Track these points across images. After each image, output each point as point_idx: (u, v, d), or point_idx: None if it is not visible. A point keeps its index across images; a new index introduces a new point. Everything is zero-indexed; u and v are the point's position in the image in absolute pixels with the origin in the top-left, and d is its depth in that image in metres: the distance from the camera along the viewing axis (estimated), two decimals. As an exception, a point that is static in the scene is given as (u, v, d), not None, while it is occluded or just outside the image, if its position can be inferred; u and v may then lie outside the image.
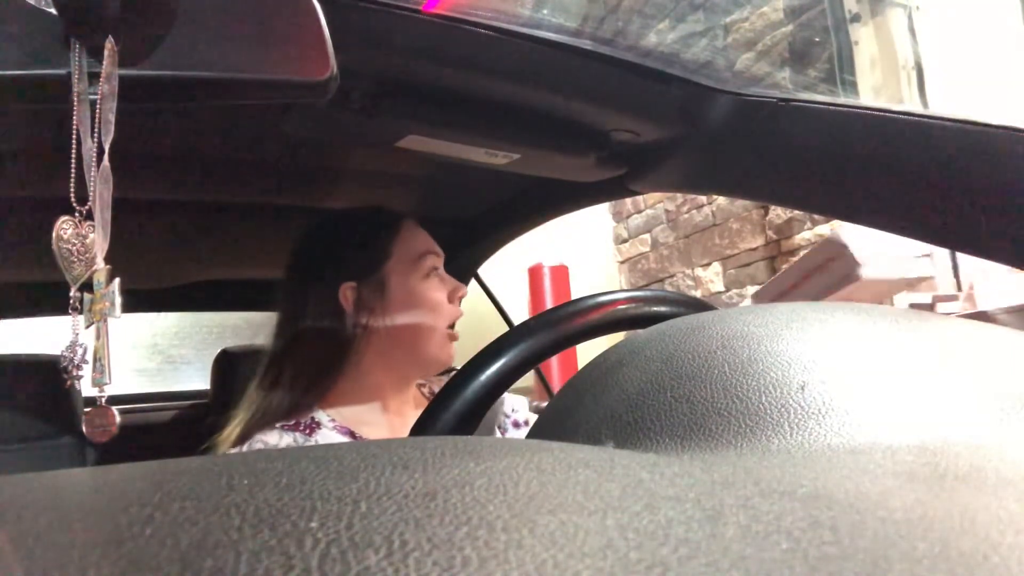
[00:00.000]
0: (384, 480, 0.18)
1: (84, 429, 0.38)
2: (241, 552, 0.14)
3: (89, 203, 0.36)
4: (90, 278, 0.37)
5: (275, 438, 0.84)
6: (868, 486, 0.19)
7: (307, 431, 0.86)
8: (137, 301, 1.48)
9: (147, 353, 2.81)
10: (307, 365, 0.90)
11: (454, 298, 0.94)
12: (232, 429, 0.88)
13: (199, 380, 2.10)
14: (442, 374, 1.09)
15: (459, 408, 0.49)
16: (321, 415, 0.88)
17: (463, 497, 0.17)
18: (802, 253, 2.76)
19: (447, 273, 0.97)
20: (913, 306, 2.42)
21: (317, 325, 0.91)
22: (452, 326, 0.94)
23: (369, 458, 0.20)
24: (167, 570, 0.13)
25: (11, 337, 1.62)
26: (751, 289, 3.05)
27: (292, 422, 0.86)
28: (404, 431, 0.92)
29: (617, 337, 0.51)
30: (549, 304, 3.53)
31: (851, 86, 2.38)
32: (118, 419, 0.37)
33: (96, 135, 0.36)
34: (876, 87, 2.37)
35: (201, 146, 0.87)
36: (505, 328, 1.02)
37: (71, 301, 0.37)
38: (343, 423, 0.88)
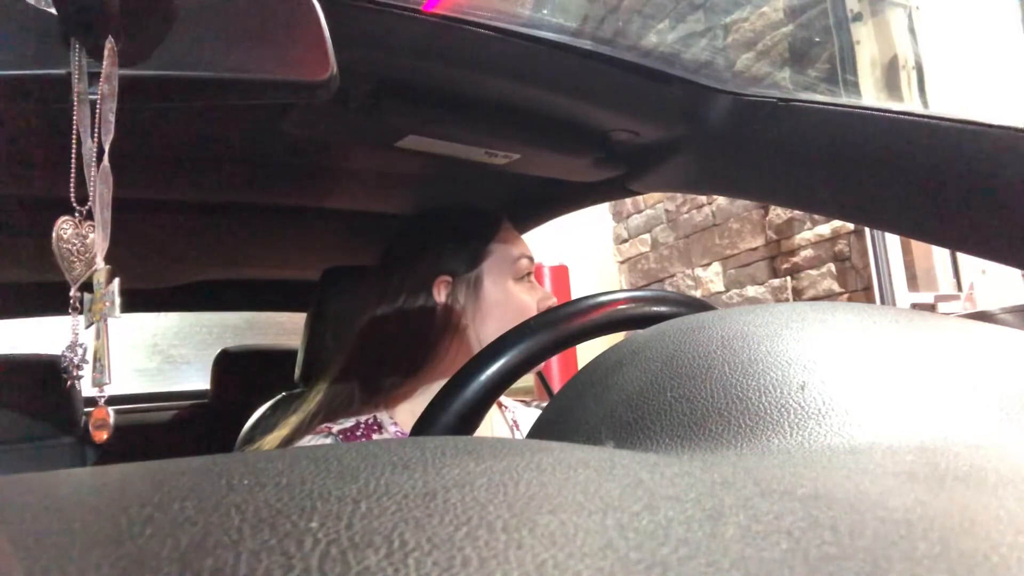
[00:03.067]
0: (384, 480, 0.18)
1: (90, 428, 0.38)
2: (241, 552, 0.14)
3: (89, 203, 0.36)
4: (90, 278, 0.37)
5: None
6: (868, 486, 0.19)
7: (364, 436, 0.85)
8: (137, 301, 1.48)
9: (147, 353, 2.81)
10: (386, 356, 0.89)
11: (542, 307, 0.93)
12: (284, 427, 0.88)
13: (199, 380, 2.10)
14: (520, 399, 1.08)
15: (459, 408, 0.49)
16: (384, 417, 0.88)
17: (463, 497, 0.17)
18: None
19: None
20: (914, 306, 2.42)
21: (405, 315, 0.91)
22: None
23: (369, 458, 0.20)
24: (167, 570, 0.13)
25: (11, 337, 1.63)
26: (751, 289, 3.05)
27: (351, 424, 0.85)
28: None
29: (617, 337, 0.51)
30: (549, 304, 3.52)
31: (853, 86, 2.38)
32: (112, 420, 0.37)
33: (96, 135, 0.36)
34: (877, 87, 2.37)
35: (201, 146, 0.87)
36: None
37: (71, 301, 0.37)
38: (405, 428, 0.87)
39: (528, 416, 1.01)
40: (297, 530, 0.15)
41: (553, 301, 0.95)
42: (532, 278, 0.97)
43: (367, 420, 0.86)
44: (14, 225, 0.98)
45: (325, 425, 0.85)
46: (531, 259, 0.96)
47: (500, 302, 0.92)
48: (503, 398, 1.01)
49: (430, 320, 0.90)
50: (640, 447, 0.28)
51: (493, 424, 0.96)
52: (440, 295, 0.91)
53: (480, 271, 0.93)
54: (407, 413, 0.89)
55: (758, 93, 0.73)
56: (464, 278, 0.92)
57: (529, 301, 0.93)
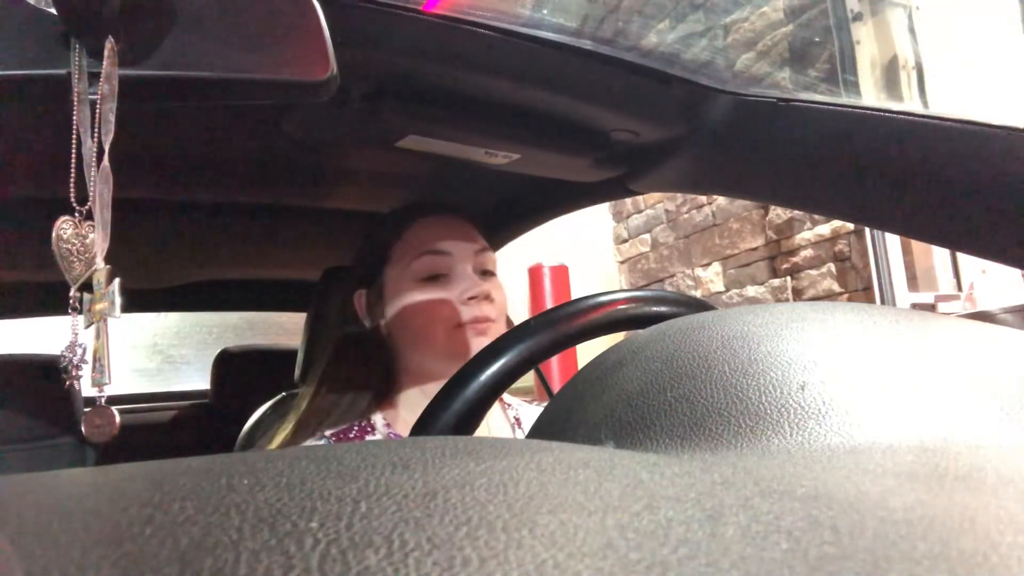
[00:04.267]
0: (384, 480, 0.18)
1: (84, 429, 0.38)
2: (241, 552, 0.14)
3: (89, 203, 0.36)
4: (90, 278, 0.37)
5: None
6: (868, 486, 0.19)
7: (357, 438, 0.84)
8: (137, 301, 1.48)
9: (147, 353, 2.81)
10: (354, 367, 0.90)
11: (463, 299, 0.85)
12: (279, 433, 0.88)
13: (199, 380, 2.10)
14: (522, 399, 1.07)
15: (459, 408, 0.49)
16: (377, 418, 0.87)
17: (463, 497, 0.17)
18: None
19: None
20: (914, 306, 2.42)
21: (346, 330, 0.91)
22: (482, 320, 0.86)
23: (369, 458, 0.20)
24: (167, 570, 0.13)
25: (11, 337, 1.63)
26: (751, 289, 3.05)
27: (345, 426, 0.86)
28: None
29: (617, 337, 0.51)
30: (549, 304, 3.53)
31: (853, 86, 2.38)
32: (118, 419, 0.37)
33: (96, 135, 0.36)
34: (877, 87, 2.37)
35: (201, 146, 0.87)
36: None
37: (71, 301, 0.37)
38: (397, 429, 0.87)
39: (531, 414, 1.01)
40: (297, 530, 0.15)
41: (479, 291, 0.85)
42: (453, 272, 0.87)
43: (360, 422, 0.87)
44: (14, 225, 0.98)
45: (325, 430, 0.85)
46: (439, 252, 0.86)
47: (402, 309, 0.86)
48: (506, 396, 1.01)
49: (363, 333, 0.90)
50: (640, 447, 0.28)
51: (495, 421, 0.95)
52: (360, 308, 0.90)
53: (383, 278, 0.88)
54: (399, 414, 0.89)
55: (758, 93, 0.73)
56: (372, 288, 0.90)
57: (433, 299, 0.84)
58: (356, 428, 0.86)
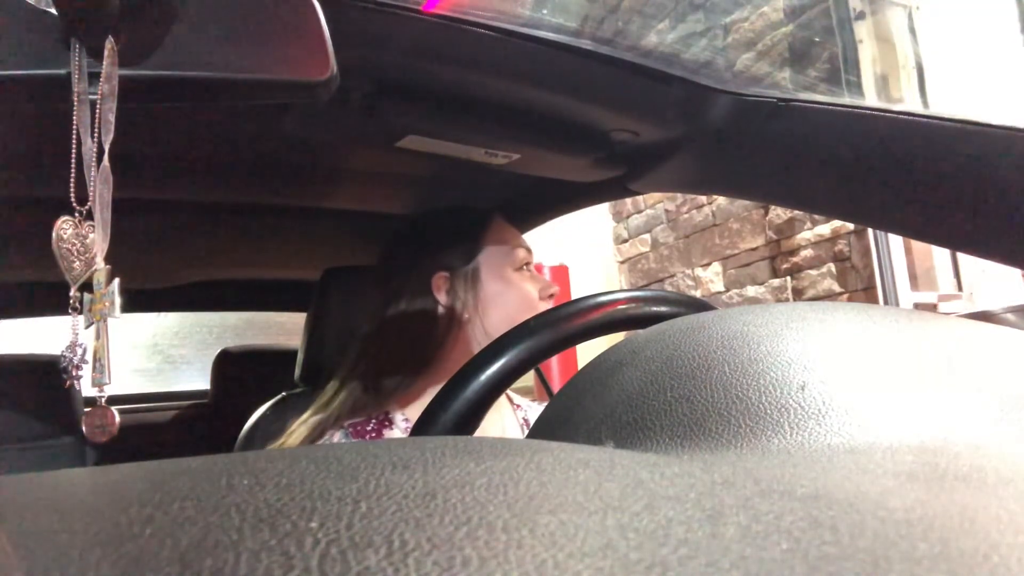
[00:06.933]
0: (384, 480, 0.18)
1: (84, 429, 0.38)
2: (241, 552, 0.14)
3: (89, 203, 0.36)
4: (90, 278, 0.37)
5: (338, 439, 0.84)
6: (868, 486, 0.19)
7: (375, 432, 0.85)
8: (137, 301, 1.48)
9: (147, 353, 2.81)
10: (392, 356, 0.90)
11: (544, 295, 0.94)
12: (300, 426, 0.88)
13: (199, 380, 2.10)
14: (526, 397, 1.08)
15: (459, 408, 0.49)
16: (396, 413, 0.88)
17: (463, 497, 0.17)
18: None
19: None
20: (916, 306, 2.42)
21: (408, 314, 0.92)
22: None
23: (369, 458, 0.20)
24: (167, 570, 0.13)
25: (11, 337, 1.63)
26: (751, 289, 3.05)
27: (362, 419, 0.86)
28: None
29: (617, 337, 0.51)
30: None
31: (855, 86, 2.37)
32: (117, 419, 0.37)
33: (96, 135, 0.36)
34: (877, 87, 2.37)
35: (201, 146, 0.87)
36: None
37: (71, 301, 0.37)
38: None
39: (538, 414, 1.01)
40: (297, 530, 0.15)
41: (556, 289, 0.96)
42: (532, 269, 0.97)
43: (378, 416, 0.87)
44: (14, 225, 0.98)
45: (344, 422, 0.86)
46: (528, 250, 0.97)
47: (500, 292, 0.92)
48: (516, 397, 1.02)
49: (432, 317, 0.91)
50: (640, 447, 0.28)
51: (505, 423, 0.96)
52: (440, 292, 0.92)
53: (476, 263, 0.93)
54: (419, 408, 0.89)
55: (758, 93, 0.73)
56: (461, 272, 0.93)
57: (530, 289, 0.93)
58: (374, 421, 0.86)
